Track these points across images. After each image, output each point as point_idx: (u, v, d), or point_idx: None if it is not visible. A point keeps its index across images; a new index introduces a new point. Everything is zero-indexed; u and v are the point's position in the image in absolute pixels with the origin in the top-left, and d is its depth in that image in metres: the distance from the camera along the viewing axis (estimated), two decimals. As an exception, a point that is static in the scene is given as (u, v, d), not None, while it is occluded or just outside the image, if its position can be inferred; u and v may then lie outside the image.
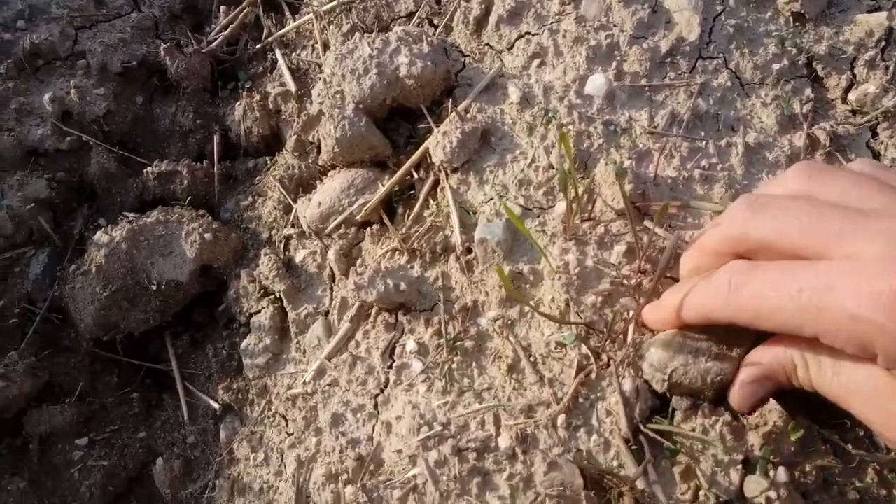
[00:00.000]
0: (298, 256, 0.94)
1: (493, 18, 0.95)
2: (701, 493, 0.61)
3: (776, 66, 0.85)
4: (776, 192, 0.57)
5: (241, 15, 1.14)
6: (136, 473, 0.92)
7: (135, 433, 0.95)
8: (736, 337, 0.61)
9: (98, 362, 0.98)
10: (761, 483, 0.59)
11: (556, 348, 0.72)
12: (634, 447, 0.63)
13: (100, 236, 0.94)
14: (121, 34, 1.15)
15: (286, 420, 0.86)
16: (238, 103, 1.08)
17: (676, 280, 0.72)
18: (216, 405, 0.92)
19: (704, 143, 0.81)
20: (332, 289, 0.91)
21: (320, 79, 0.97)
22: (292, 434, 0.84)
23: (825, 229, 0.48)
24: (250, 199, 1.03)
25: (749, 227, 0.54)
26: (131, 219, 0.96)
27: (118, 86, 1.11)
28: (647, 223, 0.76)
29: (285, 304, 0.92)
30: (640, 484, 0.62)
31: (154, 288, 0.93)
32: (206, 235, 0.94)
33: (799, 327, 0.49)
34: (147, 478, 0.92)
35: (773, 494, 0.59)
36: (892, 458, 0.65)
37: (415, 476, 0.69)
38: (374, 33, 0.95)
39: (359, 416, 0.79)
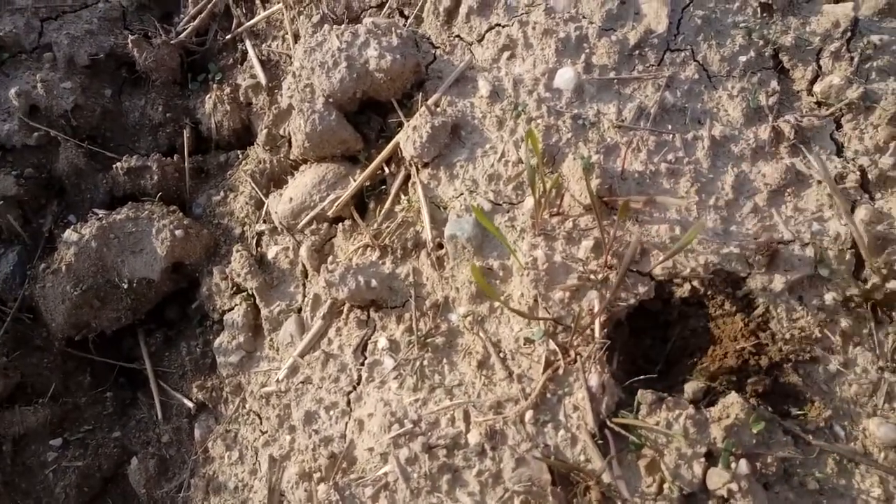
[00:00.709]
0: (271, 253, 0.94)
1: (463, 10, 0.94)
2: (665, 485, 0.62)
3: (743, 58, 0.85)
4: None
5: (209, 4, 1.12)
6: (111, 473, 0.92)
7: (109, 433, 0.94)
8: None
9: (71, 362, 0.97)
10: (723, 475, 0.60)
11: (524, 344, 0.73)
12: (601, 441, 0.64)
13: (69, 234, 0.93)
14: (87, 25, 1.13)
15: (260, 418, 0.86)
16: (208, 96, 1.07)
17: (642, 273, 0.73)
18: (190, 404, 0.92)
19: (671, 136, 0.81)
20: (304, 285, 0.91)
21: (290, 72, 0.96)
22: (266, 432, 0.84)
23: None
24: (222, 194, 1.02)
25: None
26: (101, 216, 0.95)
27: (86, 79, 1.09)
28: (615, 218, 0.77)
29: (258, 301, 0.91)
30: (606, 478, 0.63)
31: (125, 286, 0.93)
32: (178, 232, 0.94)
33: None
34: (122, 477, 0.92)
35: (734, 486, 0.60)
36: (851, 448, 0.67)
37: (386, 474, 0.69)
38: (343, 25, 0.94)
39: (332, 413, 0.80)
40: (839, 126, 0.82)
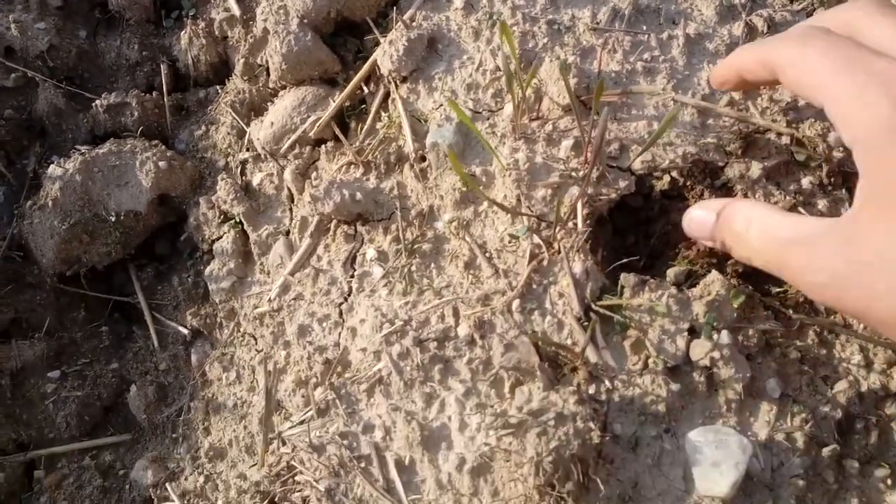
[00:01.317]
0: (256, 179, 0.94)
1: (434, -75, 0.94)
2: (650, 360, 0.65)
3: (715, -25, 0.85)
4: (827, 21, 0.59)
5: (179, -59, 1.10)
6: (111, 402, 0.93)
7: (107, 364, 0.96)
8: None
9: (64, 297, 0.98)
10: (706, 346, 0.62)
11: (509, 242, 0.74)
12: (586, 324, 0.66)
13: (53, 170, 0.93)
14: (57, -33, 1.12)
15: (255, 338, 0.88)
16: (183, 32, 1.06)
17: (622, 169, 0.74)
18: (185, 331, 0.93)
19: (646, 36, 0.82)
20: (291, 209, 0.91)
21: (263, -3, 0.96)
22: (262, 350, 0.86)
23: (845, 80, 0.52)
24: (203, 128, 1.02)
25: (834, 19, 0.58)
26: (84, 151, 0.95)
27: (59, 20, 1.08)
28: (594, 118, 0.78)
29: (246, 226, 0.92)
30: (592, 357, 0.65)
31: (113, 219, 0.93)
32: (161, 164, 0.94)
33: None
34: (122, 406, 0.93)
35: (716, 355, 0.62)
36: (831, 320, 0.69)
37: (380, 370, 0.71)
38: (314, -54, 0.93)
39: (325, 325, 0.81)
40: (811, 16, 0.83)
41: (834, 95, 0.54)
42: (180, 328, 0.94)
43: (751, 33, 0.81)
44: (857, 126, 0.52)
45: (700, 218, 0.62)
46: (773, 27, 0.82)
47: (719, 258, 0.71)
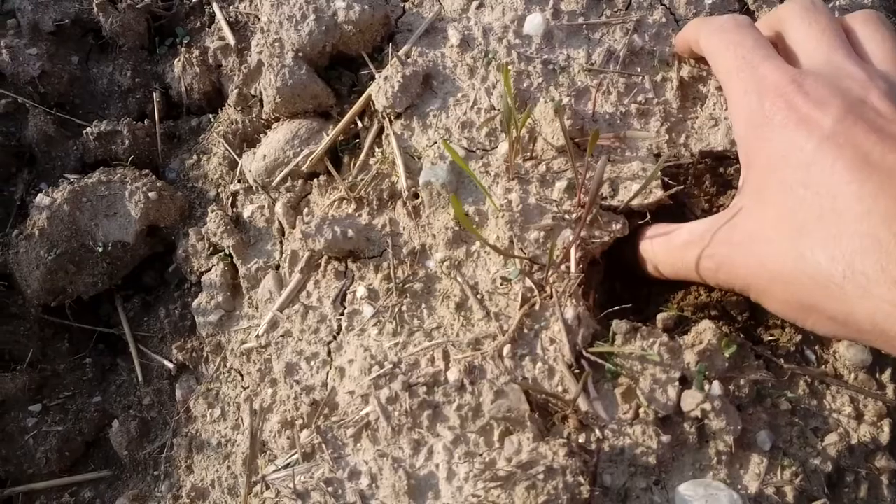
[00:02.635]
0: (246, 211, 0.94)
1: (431, -37, 0.94)
2: (641, 410, 0.64)
3: (709, 1, 0.86)
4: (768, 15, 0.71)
5: (175, -31, 1.10)
6: (93, 437, 0.91)
7: (89, 398, 0.94)
8: None
9: (48, 328, 0.97)
10: (697, 396, 0.62)
11: (501, 284, 0.73)
12: (577, 371, 0.65)
13: (41, 199, 0.92)
14: (51, -7, 1.11)
15: (241, 374, 0.86)
16: (177, 60, 1.06)
17: (616, 211, 0.74)
18: (171, 365, 0.92)
19: (640, 78, 0.82)
20: (281, 242, 0.91)
21: (259, 28, 0.95)
22: (248, 387, 0.85)
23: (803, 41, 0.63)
24: (195, 157, 1.02)
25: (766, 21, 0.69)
26: (72, 180, 0.94)
27: (52, 45, 1.08)
28: (588, 159, 0.77)
29: (235, 259, 0.91)
30: (583, 406, 0.64)
31: (100, 250, 0.92)
32: (151, 194, 0.93)
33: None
34: (104, 441, 0.92)
35: (707, 406, 0.62)
36: (822, 370, 0.68)
37: (367, 414, 0.70)
38: (310, -19, 0.93)
39: (313, 363, 0.80)
40: (805, 64, 0.84)
41: (728, 93, 0.64)
42: (165, 362, 0.92)
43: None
44: (737, 123, 0.62)
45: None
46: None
47: (709, 304, 0.70)
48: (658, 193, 0.72)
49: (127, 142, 1.01)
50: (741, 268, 0.58)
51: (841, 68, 0.58)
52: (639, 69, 0.83)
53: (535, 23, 0.85)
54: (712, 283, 0.65)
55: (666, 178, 0.74)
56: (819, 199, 0.51)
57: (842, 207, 0.49)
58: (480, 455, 0.65)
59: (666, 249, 0.67)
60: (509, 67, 0.83)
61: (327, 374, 0.78)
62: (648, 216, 0.72)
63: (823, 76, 0.57)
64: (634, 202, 0.72)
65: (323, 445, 0.71)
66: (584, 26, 0.86)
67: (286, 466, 0.72)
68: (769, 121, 0.56)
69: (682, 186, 0.74)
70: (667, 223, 0.71)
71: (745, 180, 0.61)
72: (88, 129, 1.01)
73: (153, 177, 0.97)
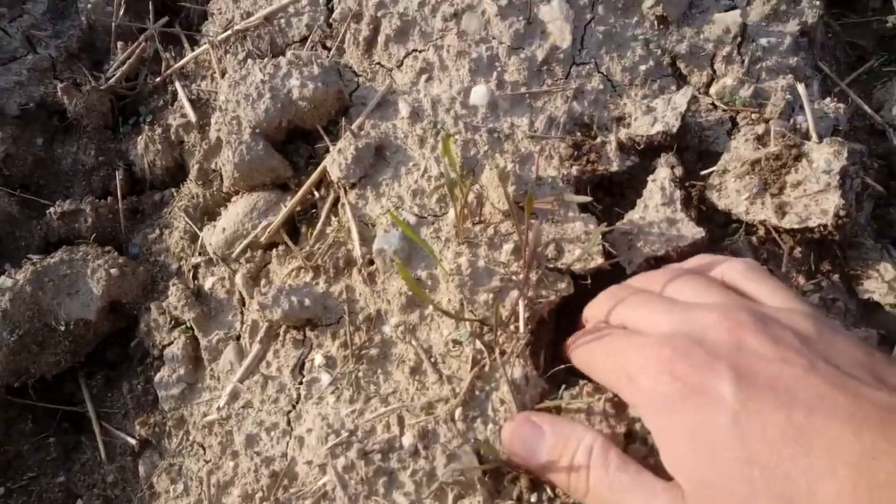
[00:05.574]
0: (207, 284, 0.95)
1: (381, 38, 0.99)
2: (591, 467, 0.65)
3: (643, 67, 0.91)
4: (637, 283, 0.71)
5: (138, 49, 1.15)
6: (57, 518, 0.90)
7: (53, 478, 0.93)
8: None
9: (11, 409, 0.96)
10: (641, 450, 0.63)
11: (453, 346, 0.75)
12: (527, 432, 0.67)
13: (3, 280, 0.93)
14: (17, 77, 1.15)
15: (203, 448, 0.87)
16: (140, 137, 1.09)
17: (561, 271, 0.76)
18: (133, 441, 0.92)
19: (581, 143, 0.86)
20: (242, 313, 0.92)
21: (217, 106, 0.99)
22: (210, 461, 0.85)
23: (648, 317, 0.61)
24: (157, 231, 1.04)
25: (607, 315, 0.68)
26: (35, 261, 0.95)
27: (16, 129, 1.10)
28: (533, 221, 0.81)
29: (197, 332, 0.92)
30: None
31: (63, 328, 0.93)
32: (113, 271, 0.95)
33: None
34: (68, 521, 0.91)
35: (652, 461, 0.63)
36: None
37: (325, 484, 0.71)
38: (266, 59, 0.97)
39: (273, 434, 0.80)
40: (735, 123, 0.88)
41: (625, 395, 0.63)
42: (128, 438, 0.92)
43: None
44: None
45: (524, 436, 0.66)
46: (701, 131, 0.87)
47: None
48: (599, 261, 0.75)
49: (90, 220, 1.03)
50: None
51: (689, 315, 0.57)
52: (579, 134, 0.87)
53: (480, 94, 0.90)
54: None
55: (607, 245, 0.77)
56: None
57: None
58: (435, 520, 0.65)
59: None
60: (455, 137, 0.87)
61: (287, 443, 0.79)
62: (589, 280, 0.75)
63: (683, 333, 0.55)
64: (575, 267, 0.75)
65: (281, 517, 0.71)
66: (527, 95, 0.90)
67: (246, 541, 0.72)
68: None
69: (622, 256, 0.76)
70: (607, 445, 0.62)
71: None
72: (52, 209, 1.03)
73: (115, 253, 0.98)
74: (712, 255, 0.70)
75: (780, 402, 0.46)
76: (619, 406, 0.66)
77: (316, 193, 0.94)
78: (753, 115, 0.87)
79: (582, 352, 0.66)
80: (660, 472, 0.55)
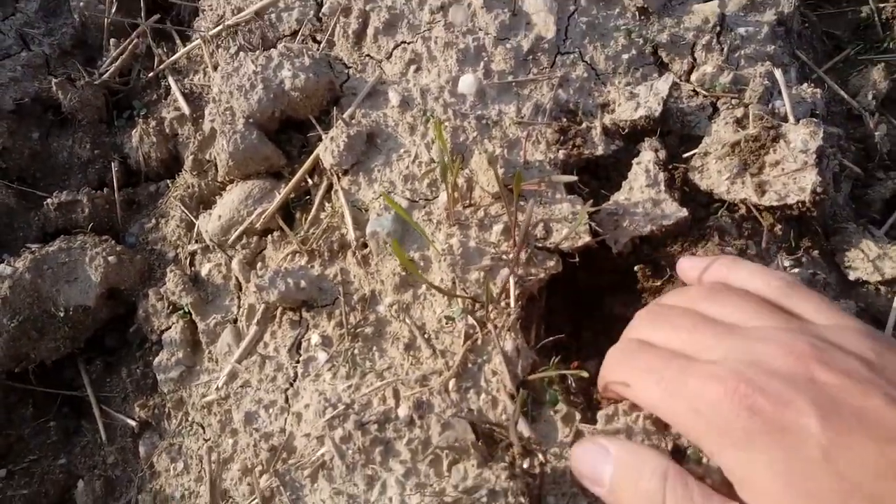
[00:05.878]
0: (204, 270, 0.97)
1: (370, 31, 1.02)
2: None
3: (626, 56, 0.94)
4: (675, 301, 0.67)
5: (130, 46, 1.17)
6: (59, 499, 0.92)
7: (54, 460, 0.95)
8: None
9: (12, 394, 0.98)
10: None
11: (446, 323, 0.78)
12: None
13: (3, 268, 0.95)
14: (11, 73, 1.17)
15: (203, 427, 0.89)
16: (135, 131, 1.11)
17: (550, 250, 0.79)
18: (133, 423, 0.94)
19: (567, 127, 0.89)
20: (239, 297, 0.94)
21: (211, 98, 1.01)
22: (209, 439, 0.87)
23: (698, 341, 0.58)
24: (154, 221, 1.06)
25: (648, 336, 0.64)
26: (34, 249, 0.97)
27: (13, 123, 1.12)
28: (521, 203, 0.84)
29: (194, 316, 0.94)
30: (525, 431, 0.68)
31: (62, 315, 0.95)
32: (110, 258, 0.97)
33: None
34: (70, 502, 0.92)
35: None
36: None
37: (323, 454, 0.73)
38: (258, 52, 1.00)
39: (271, 411, 0.83)
40: (716, 109, 0.92)
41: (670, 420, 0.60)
42: (128, 420, 0.94)
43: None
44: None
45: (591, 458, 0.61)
46: (682, 117, 0.90)
47: None
48: (586, 239, 0.78)
49: (87, 210, 1.05)
50: None
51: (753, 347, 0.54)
52: (565, 120, 0.90)
53: (468, 82, 0.93)
54: None
55: (593, 224, 0.80)
56: None
57: None
58: (431, 486, 0.68)
59: None
60: (445, 124, 0.90)
61: (285, 419, 0.81)
62: (577, 258, 0.78)
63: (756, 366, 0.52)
64: (564, 245, 0.78)
65: (281, 488, 0.74)
66: (514, 83, 0.93)
67: (247, 512, 0.74)
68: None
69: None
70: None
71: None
72: (49, 200, 1.05)
73: (112, 242, 1.01)
74: (733, 259, 0.68)
75: (869, 436, 0.46)
76: (658, 424, 0.66)
77: (309, 180, 0.96)
78: (733, 101, 0.90)
79: (623, 373, 0.62)
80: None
